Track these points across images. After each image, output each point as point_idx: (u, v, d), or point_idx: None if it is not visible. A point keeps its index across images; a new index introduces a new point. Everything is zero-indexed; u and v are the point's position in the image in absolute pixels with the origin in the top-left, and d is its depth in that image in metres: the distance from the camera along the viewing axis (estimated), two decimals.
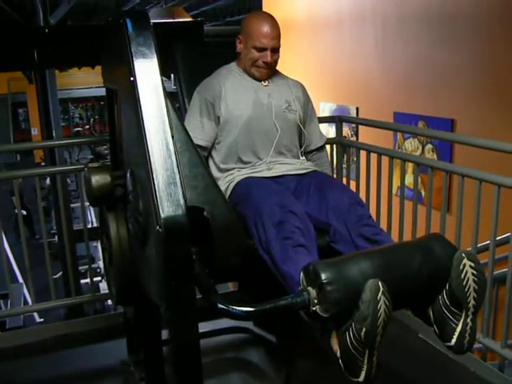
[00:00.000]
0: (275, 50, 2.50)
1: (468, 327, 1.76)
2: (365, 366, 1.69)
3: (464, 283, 1.72)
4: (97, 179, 2.06)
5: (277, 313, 1.77)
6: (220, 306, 1.71)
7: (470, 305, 1.74)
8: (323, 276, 1.67)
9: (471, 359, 2.79)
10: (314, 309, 1.70)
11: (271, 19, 2.50)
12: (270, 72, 2.55)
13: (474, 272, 1.73)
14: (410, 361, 2.85)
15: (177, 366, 1.91)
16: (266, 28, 2.45)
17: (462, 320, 1.76)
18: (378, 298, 1.61)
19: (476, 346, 3.25)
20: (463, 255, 1.74)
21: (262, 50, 2.47)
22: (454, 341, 1.78)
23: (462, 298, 1.73)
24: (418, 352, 2.95)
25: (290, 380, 2.71)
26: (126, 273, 2.13)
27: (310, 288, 1.71)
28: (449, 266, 1.76)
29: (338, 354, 1.75)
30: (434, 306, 1.82)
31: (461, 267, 1.72)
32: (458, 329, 1.77)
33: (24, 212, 11.72)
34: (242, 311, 1.71)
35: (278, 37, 2.48)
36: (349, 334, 1.68)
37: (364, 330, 1.62)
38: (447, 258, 1.78)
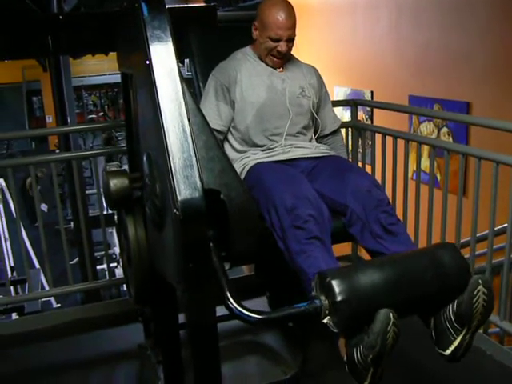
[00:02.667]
0: (290, 40, 2.47)
1: (466, 342, 1.84)
2: (369, 379, 1.75)
3: (473, 307, 1.79)
4: (115, 183, 2.07)
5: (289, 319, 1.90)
6: (236, 311, 1.77)
7: (473, 325, 1.82)
8: (338, 295, 1.71)
9: (488, 342, 2.79)
10: (325, 321, 1.75)
11: (287, 8, 2.44)
12: (284, 61, 2.54)
13: (486, 298, 1.79)
14: (426, 344, 2.84)
15: (194, 350, 1.93)
16: (281, 18, 2.40)
17: (461, 335, 1.83)
18: (388, 329, 1.67)
19: (493, 329, 3.25)
20: (480, 282, 1.80)
21: (276, 40, 2.44)
22: (448, 352, 1.86)
23: (468, 319, 1.80)
24: None
25: (306, 364, 2.72)
26: (144, 273, 2.16)
27: (322, 297, 1.75)
28: (458, 280, 1.83)
29: (345, 359, 1.82)
30: (437, 316, 1.88)
31: (475, 293, 1.79)
32: (456, 342, 1.84)
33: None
34: (256, 318, 1.77)
35: (293, 27, 2.44)
36: (356, 353, 1.74)
37: (371, 356, 1.69)
38: (458, 272, 1.84)
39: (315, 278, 1.81)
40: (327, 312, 1.74)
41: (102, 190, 2.37)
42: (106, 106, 23.68)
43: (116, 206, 2.19)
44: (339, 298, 1.70)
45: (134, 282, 2.21)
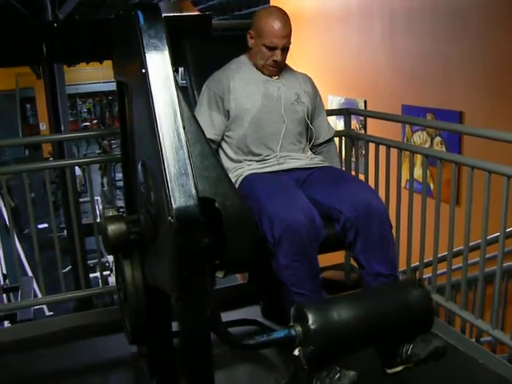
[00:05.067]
0: (285, 49, 2.49)
1: (407, 370, 2.10)
2: None
3: (426, 360, 2.05)
4: (113, 229, 2.07)
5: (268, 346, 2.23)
6: (223, 338, 1.94)
7: (419, 366, 2.08)
8: (313, 341, 1.90)
9: (481, 351, 2.79)
10: (296, 354, 1.93)
11: (283, 17, 2.46)
12: (279, 69, 2.56)
13: (439, 356, 2.08)
14: None
15: (187, 358, 1.93)
16: (277, 27, 2.42)
17: (407, 366, 2.09)
18: None
19: (485, 338, 3.26)
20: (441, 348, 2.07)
21: (272, 48, 2.46)
22: (390, 372, 2.13)
23: (416, 363, 2.07)
24: None
25: (299, 372, 2.71)
26: (140, 315, 2.20)
27: (298, 329, 1.93)
28: (422, 322, 2.09)
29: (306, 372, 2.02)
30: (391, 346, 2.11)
31: (433, 353, 2.05)
32: (399, 368, 2.11)
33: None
34: (242, 344, 2.00)
35: (288, 35, 2.46)
36: None
37: None
38: (423, 315, 2.09)
39: (294, 308, 1.97)
40: (301, 343, 1.92)
41: (100, 236, 2.38)
42: (107, 113, 23.69)
43: (114, 251, 2.21)
44: (313, 347, 1.90)
45: (131, 322, 2.25)
